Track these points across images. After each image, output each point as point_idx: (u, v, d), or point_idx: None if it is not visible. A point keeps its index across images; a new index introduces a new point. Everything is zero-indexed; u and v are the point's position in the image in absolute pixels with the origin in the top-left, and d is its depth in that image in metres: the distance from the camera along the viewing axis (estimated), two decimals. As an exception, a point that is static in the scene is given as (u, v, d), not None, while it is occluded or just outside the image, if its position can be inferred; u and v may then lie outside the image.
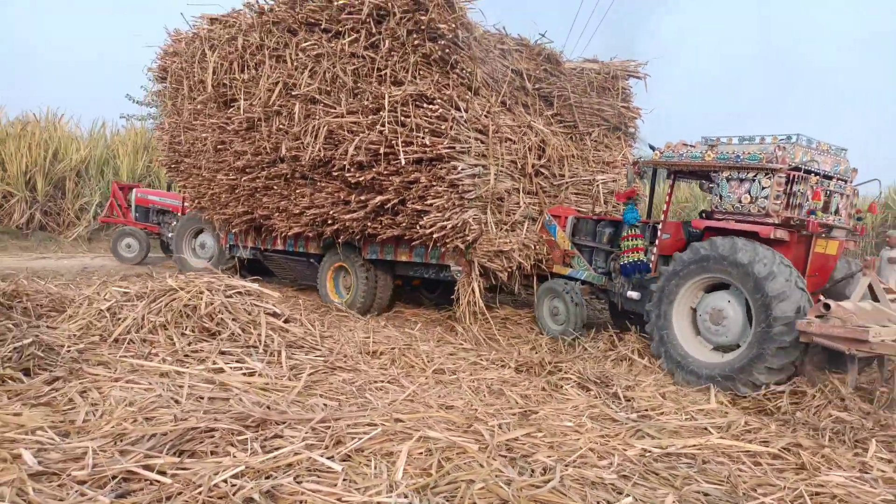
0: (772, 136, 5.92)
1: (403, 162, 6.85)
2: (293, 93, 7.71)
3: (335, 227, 7.85)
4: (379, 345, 6.25)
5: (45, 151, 15.67)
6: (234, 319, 5.75)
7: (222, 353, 5.32)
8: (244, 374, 4.96)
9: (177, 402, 4.16)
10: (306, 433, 3.65)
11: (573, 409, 4.83)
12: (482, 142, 7.01)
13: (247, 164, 8.46)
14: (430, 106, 6.74)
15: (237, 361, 5.16)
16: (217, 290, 6.06)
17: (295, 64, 7.70)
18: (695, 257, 5.90)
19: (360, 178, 7.25)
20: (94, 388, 4.32)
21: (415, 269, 8.14)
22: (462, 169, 6.79)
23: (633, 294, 6.76)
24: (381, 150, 6.98)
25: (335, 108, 7.38)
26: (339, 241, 8.11)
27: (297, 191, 8.13)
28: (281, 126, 7.94)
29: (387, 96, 6.87)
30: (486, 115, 7.08)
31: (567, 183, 8.03)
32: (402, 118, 6.85)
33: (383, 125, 6.91)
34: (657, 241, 6.66)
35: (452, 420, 4.10)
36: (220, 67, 8.49)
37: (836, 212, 6.05)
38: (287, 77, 7.74)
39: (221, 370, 4.97)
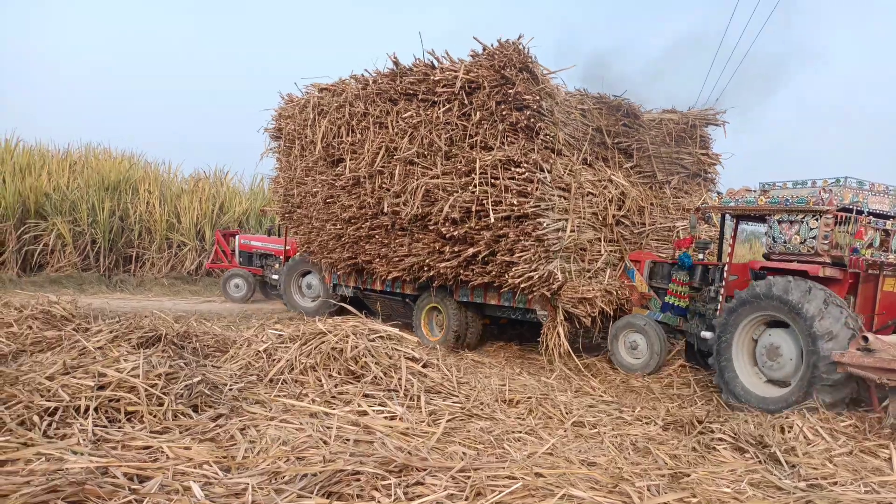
0: (823, 180, 6.21)
1: (493, 219, 7.45)
2: (394, 156, 8.54)
3: (430, 273, 8.48)
4: (515, 393, 6.15)
5: (213, 205, 17.46)
6: (376, 363, 5.94)
7: (366, 395, 5.49)
8: (386, 417, 5.08)
9: (325, 442, 4.33)
10: (447, 482, 3.63)
11: (730, 472, 4.41)
12: (565, 198, 7.58)
13: (352, 216, 9.33)
14: (517, 169, 7.33)
15: (379, 404, 5.29)
16: (361, 334, 6.31)
17: (395, 130, 8.55)
18: (750, 296, 6.21)
19: (454, 232, 7.89)
20: (252, 426, 4.60)
21: (502, 311, 8.68)
22: (547, 225, 7.34)
23: (706, 334, 6.96)
24: (473, 208, 7.61)
25: (431, 170, 8.11)
26: (434, 285, 8.73)
27: (397, 240, 8.83)
28: (383, 184, 8.74)
29: (478, 160, 7.53)
30: (568, 174, 7.63)
31: (647, 230, 8.47)
32: (492, 180, 7.47)
33: (475, 186, 7.54)
34: (724, 282, 6.96)
35: (596, 478, 3.90)
36: (329, 131, 9.49)
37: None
38: (389, 141, 8.60)
39: (365, 413, 5.12)
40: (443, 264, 8.18)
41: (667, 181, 8.87)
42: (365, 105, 8.94)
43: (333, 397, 5.48)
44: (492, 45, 7.58)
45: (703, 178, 9.20)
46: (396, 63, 8.64)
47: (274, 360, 6.12)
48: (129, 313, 7.65)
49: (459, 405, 5.56)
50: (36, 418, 4.26)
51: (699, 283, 7.49)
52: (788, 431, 5.26)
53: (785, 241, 6.37)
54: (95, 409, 4.44)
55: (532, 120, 7.32)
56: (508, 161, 7.39)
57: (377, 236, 9.09)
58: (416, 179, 8.15)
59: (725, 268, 7.03)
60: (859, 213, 6.04)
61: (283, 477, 3.62)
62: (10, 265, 14.22)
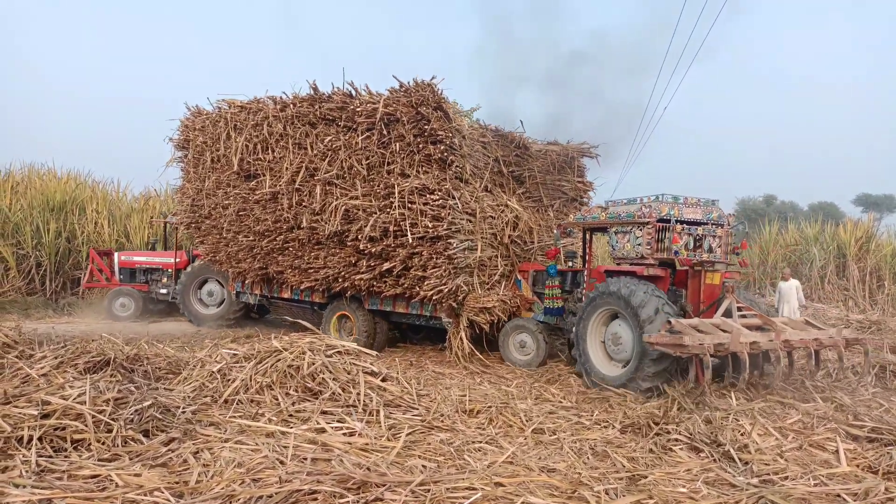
0: (647, 197, 7.62)
1: (410, 239, 8.23)
2: (314, 175, 9.13)
3: (345, 283, 9.20)
4: (476, 403, 6.15)
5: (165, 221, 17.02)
6: (334, 379, 5.87)
7: (324, 412, 5.42)
8: (345, 433, 5.01)
9: (282, 462, 4.24)
10: (406, 497, 3.61)
11: (686, 472, 4.50)
12: (471, 221, 8.53)
13: (266, 229, 9.83)
14: (432, 196, 8.19)
15: (338, 421, 5.22)
16: (318, 350, 6.23)
17: (315, 151, 9.13)
18: (596, 294, 7.50)
19: (372, 249, 8.64)
20: (206, 449, 4.48)
21: (408, 318, 9.55)
22: (456, 245, 8.28)
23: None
24: (391, 228, 8.40)
25: (350, 191, 8.81)
26: (347, 295, 9.48)
27: (312, 253, 9.44)
28: (301, 201, 9.30)
29: (397, 187, 8.32)
30: (474, 200, 8.59)
31: (535, 247, 9.59)
32: (409, 204, 8.27)
33: (394, 209, 8.32)
34: (584, 284, 8.26)
35: (555, 485, 3.93)
36: (245, 148, 9.99)
37: (710, 250, 7.62)
38: (309, 162, 9.17)
39: (323, 430, 5.04)
40: (357, 276, 8.95)
41: (550, 205, 10.25)
42: (284, 126, 9.49)
43: (291, 416, 5.38)
44: (408, 83, 8.36)
45: (579, 201, 10.68)
46: (315, 90, 9.24)
47: (229, 380, 5.97)
48: (76, 338, 7.39)
49: (419, 418, 5.53)
50: (-26, 452, 4.06)
51: (570, 286, 8.75)
52: (741, 431, 5.40)
53: (621, 248, 7.75)
54: (39, 439, 4.26)
55: (445, 153, 8.20)
56: (424, 188, 8.25)
57: (291, 249, 9.67)
58: (336, 199, 8.86)
59: (586, 273, 8.40)
60: (681, 222, 7.46)
61: (238, 500, 3.54)
62: (-53, 292, 13.62)
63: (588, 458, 4.83)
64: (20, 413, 4.46)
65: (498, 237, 9.02)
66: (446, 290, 8.28)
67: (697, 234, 7.59)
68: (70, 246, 15.63)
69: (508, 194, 9.55)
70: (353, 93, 8.91)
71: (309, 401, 5.66)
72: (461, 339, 8.66)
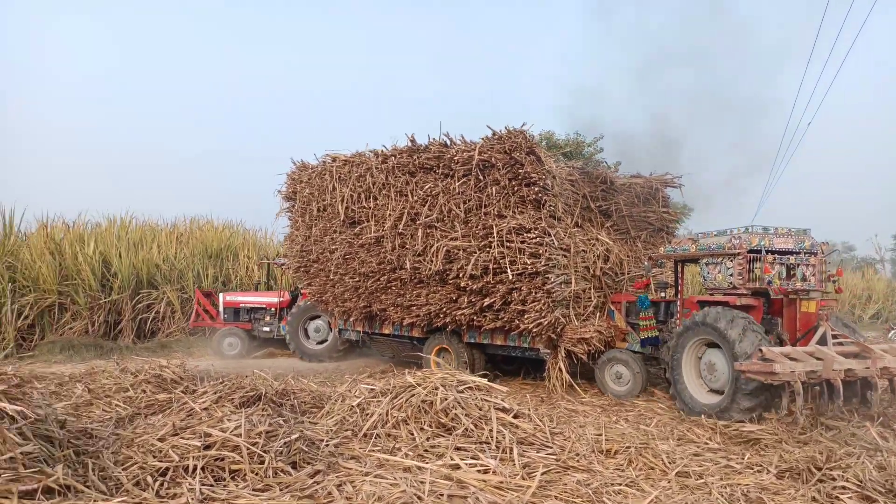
0: (737, 228, 7.83)
1: (511, 276, 8.68)
2: (416, 220, 9.81)
3: (446, 319, 9.70)
4: (613, 442, 5.91)
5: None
6: (466, 415, 5.90)
7: (458, 448, 5.45)
8: (479, 470, 5.00)
9: (419, 497, 4.31)
10: (544, 539, 3.51)
11: (857, 526, 4.02)
12: (566, 256, 8.93)
13: (370, 271, 10.50)
14: (528, 234, 8.67)
15: (472, 458, 5.23)
16: (450, 386, 6.31)
17: (415, 198, 9.82)
18: (691, 323, 7.67)
19: (473, 286, 9.11)
20: (349, 482, 4.66)
21: (505, 350, 9.86)
22: (553, 280, 8.66)
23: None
24: (491, 266, 8.86)
25: (450, 233, 9.38)
26: (448, 329, 10.02)
27: (414, 291, 10.01)
28: (404, 244, 9.94)
29: (495, 227, 8.82)
30: (567, 236, 9.02)
31: (625, 278, 9.90)
32: (507, 243, 8.77)
33: (493, 248, 8.81)
34: (678, 315, 8.51)
35: (705, 533, 3.65)
36: (349, 197, 10.74)
37: (804, 278, 7.72)
38: (410, 208, 9.87)
39: (458, 466, 5.07)
40: (458, 312, 9.45)
41: (638, 236, 10.70)
42: (385, 176, 10.22)
43: (426, 451, 5.47)
44: (501, 131, 8.94)
45: (665, 231, 11.04)
46: (413, 141, 9.95)
47: (367, 414, 6.20)
48: (231, 374, 8.01)
49: (554, 457, 5.40)
50: (149, 478, 4.51)
51: (663, 316, 8.98)
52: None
53: (712, 279, 8.01)
54: (202, 469, 4.64)
55: (539, 194, 8.71)
56: (521, 227, 8.74)
57: (394, 288, 10.29)
58: (436, 241, 9.43)
59: (679, 303, 8.64)
60: (773, 252, 7.67)
61: (379, 534, 3.62)
62: (127, 333, 15.27)
63: (741, 504, 4.46)
64: (186, 444, 4.90)
65: (591, 270, 9.45)
66: (545, 322, 8.68)
67: (790, 264, 7.72)
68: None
69: (598, 228, 10.13)
70: (448, 142, 9.56)
71: (443, 436, 5.72)
72: (559, 369, 9.00)
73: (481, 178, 9.11)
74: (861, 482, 4.69)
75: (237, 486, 4.52)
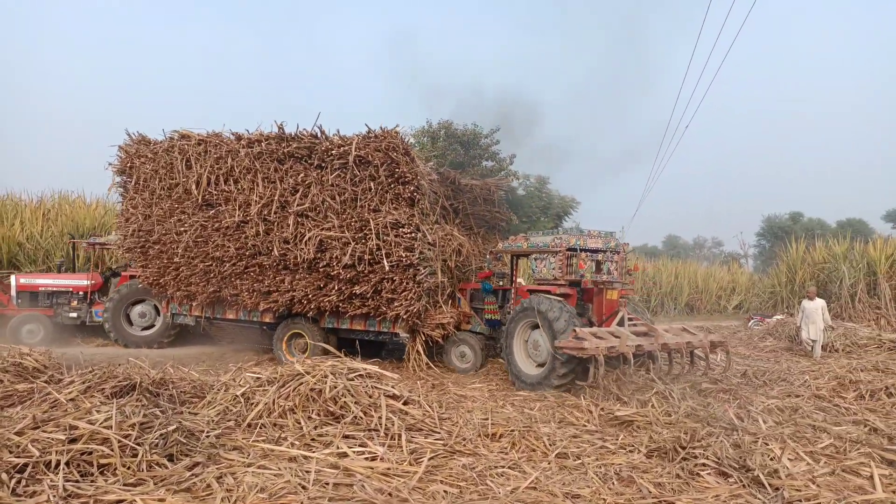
0: (561, 229, 10.85)
1: (387, 267, 9.25)
2: (285, 209, 9.90)
3: (311, 305, 10.05)
4: (498, 426, 6.10)
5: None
6: (356, 402, 5.87)
7: (346, 436, 5.42)
8: (367, 458, 5.00)
9: (304, 487, 4.25)
10: (428, 523, 3.57)
11: (714, 499, 4.41)
12: (431, 250, 9.63)
13: (225, 255, 10.38)
14: (403, 229, 9.29)
15: (360, 445, 5.22)
16: (340, 374, 6.24)
17: (284, 185, 9.90)
18: (520, 309, 9.08)
19: (347, 275, 9.56)
20: (230, 474, 4.50)
21: (359, 334, 10.43)
22: (423, 271, 9.42)
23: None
24: (366, 257, 9.39)
25: (323, 223, 9.66)
26: (308, 315, 10.39)
27: (277, 278, 10.16)
28: (269, 230, 10.00)
29: (372, 221, 9.34)
30: (432, 232, 9.73)
31: (471, 268, 11.20)
32: (384, 236, 9.33)
33: (369, 240, 9.31)
34: (512, 301, 9.96)
35: (579, 511, 3.86)
36: (205, 178, 10.40)
37: (609, 272, 9.32)
38: (279, 196, 9.90)
39: (346, 455, 5.04)
40: (325, 299, 9.86)
41: (478, 232, 11.98)
42: (251, 160, 10.14)
43: (313, 440, 5.39)
44: (378, 130, 9.46)
45: (498, 228, 12.68)
46: (282, 129, 10.03)
47: (252, 403, 6.01)
48: (104, 362, 7.49)
49: (441, 442, 5.50)
50: (4, 475, 4.13)
51: (501, 302, 10.33)
52: (770, 456, 5.27)
53: (539, 271, 9.45)
54: (67, 464, 4.31)
55: (413, 193, 9.40)
56: (396, 223, 9.34)
57: (252, 273, 10.35)
58: (308, 230, 9.70)
59: (512, 291, 10.10)
60: (585, 250, 9.16)
61: (260, 526, 3.53)
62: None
63: (613, 483, 4.75)
64: (48, 437, 4.53)
65: (447, 262, 10.41)
66: (414, 310, 9.44)
67: (599, 260, 9.30)
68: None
69: (451, 225, 11.05)
70: (319, 134, 9.86)
71: (331, 424, 5.66)
72: (418, 351, 9.97)
73: (357, 172, 9.53)
74: (719, 459, 5.14)
75: (106, 480, 4.24)
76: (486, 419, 6.30)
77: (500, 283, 10.44)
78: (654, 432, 6.08)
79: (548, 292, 8.98)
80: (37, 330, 12.38)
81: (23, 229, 15.40)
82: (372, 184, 9.44)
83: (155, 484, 4.22)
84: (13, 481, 4.11)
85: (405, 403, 6.13)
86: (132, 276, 12.45)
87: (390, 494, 4.09)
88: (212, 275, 10.62)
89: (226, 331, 12.03)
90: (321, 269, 9.76)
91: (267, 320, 10.86)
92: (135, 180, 11.26)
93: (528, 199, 29.04)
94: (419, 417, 5.93)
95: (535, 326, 8.83)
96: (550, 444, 5.63)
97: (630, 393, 7.58)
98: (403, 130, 9.50)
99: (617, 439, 5.93)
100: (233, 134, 10.51)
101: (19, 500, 3.89)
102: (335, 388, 5.96)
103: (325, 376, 6.11)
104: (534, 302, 8.80)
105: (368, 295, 9.61)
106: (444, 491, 4.33)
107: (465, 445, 5.50)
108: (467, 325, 10.47)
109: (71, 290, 12.85)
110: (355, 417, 5.71)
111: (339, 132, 9.77)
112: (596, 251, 9.32)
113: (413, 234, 9.27)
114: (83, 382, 5.80)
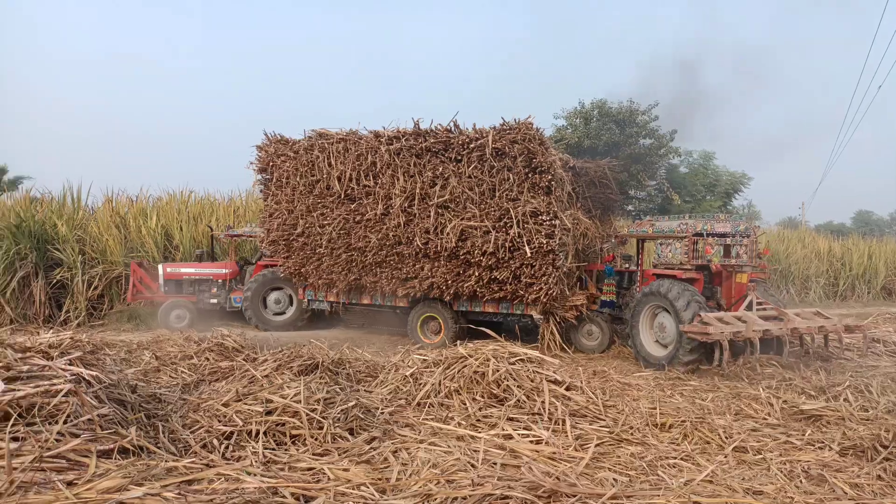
0: (686, 214, 9.92)
1: (529, 254, 9.67)
2: (425, 200, 10.41)
3: (449, 290, 10.57)
4: (667, 416, 5.85)
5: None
6: (518, 386, 5.94)
7: (510, 419, 5.51)
8: (531, 441, 5.04)
9: (473, 466, 4.39)
10: (598, 509, 3.53)
11: (927, 506, 3.89)
12: (566, 235, 10.02)
13: (366, 246, 10.98)
14: (542, 217, 9.70)
15: (524, 428, 5.27)
16: (502, 358, 6.35)
17: (423, 178, 10.39)
18: (647, 292, 9.34)
19: (488, 262, 10.03)
20: (404, 449, 4.77)
21: (491, 317, 11.01)
22: (561, 256, 9.87)
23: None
24: (506, 245, 9.84)
25: (462, 213, 10.15)
26: (447, 299, 10.86)
27: (417, 265, 10.70)
28: (410, 221, 10.52)
29: (512, 210, 9.75)
30: (567, 218, 9.97)
31: (594, 252, 11.59)
32: (524, 224, 9.76)
33: (510, 229, 9.76)
34: (638, 283, 10.33)
35: (764, 509, 3.61)
36: (346, 175, 11.03)
37: (737, 256, 9.24)
38: (419, 188, 10.38)
39: (510, 436, 5.12)
40: (465, 284, 10.39)
41: (595, 214, 12.00)
42: (391, 156, 10.67)
43: (478, 420, 5.55)
44: (512, 122, 9.83)
45: (611, 210, 12.68)
46: (418, 126, 10.56)
47: (420, 384, 6.32)
48: (289, 343, 8.26)
49: (607, 429, 5.40)
50: (215, 441, 4.73)
51: (627, 284, 10.77)
52: None
53: (664, 256, 9.79)
54: (264, 433, 4.84)
55: (550, 182, 9.72)
56: (536, 211, 9.73)
57: (392, 262, 10.94)
58: (448, 220, 10.21)
59: (637, 274, 10.49)
60: (712, 235, 9.31)
61: (435, 500, 3.71)
62: (189, 303, 15.85)
63: (801, 481, 4.37)
64: (249, 409, 5.10)
65: (576, 246, 10.73)
66: (553, 293, 9.88)
67: (727, 244, 9.26)
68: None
69: (574, 209, 11.10)
70: (453, 128, 10.29)
71: (495, 407, 5.78)
72: (552, 332, 10.40)
73: (494, 164, 9.91)
74: (931, 462, 4.52)
75: (297, 450, 4.69)
76: (654, 408, 6.07)
77: (626, 265, 10.94)
78: (849, 428, 5.49)
79: (674, 277, 9.23)
80: (183, 315, 13.37)
81: (217, 224, 17.32)
82: (510, 174, 9.80)
83: (339, 455, 4.59)
84: (222, 446, 4.69)
85: (567, 389, 6.09)
86: (266, 266, 13.32)
87: (558, 478, 4.09)
88: (353, 264, 11.32)
89: (356, 314, 12.69)
90: (461, 257, 10.23)
91: (400, 305, 11.51)
92: (275, 178, 12.08)
93: (691, 176, 27.37)
94: (582, 403, 5.86)
95: (662, 309, 9.18)
96: (727, 437, 5.30)
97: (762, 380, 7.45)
98: (535, 120, 9.80)
99: (803, 435, 5.43)
100: (371, 132, 11.08)
101: (228, 462, 4.43)
102: (497, 371, 6.07)
103: (488, 360, 6.24)
104: (660, 286, 9.08)
105: (507, 280, 10.04)
106: (614, 478, 4.25)
107: (632, 434, 5.35)
108: (594, 305, 10.87)
109: (211, 277, 13.83)
110: (518, 401, 5.78)
111: (475, 126, 10.15)
112: (724, 235, 9.38)
113: (552, 222, 9.63)
114: (275, 361, 6.44)
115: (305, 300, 12.63)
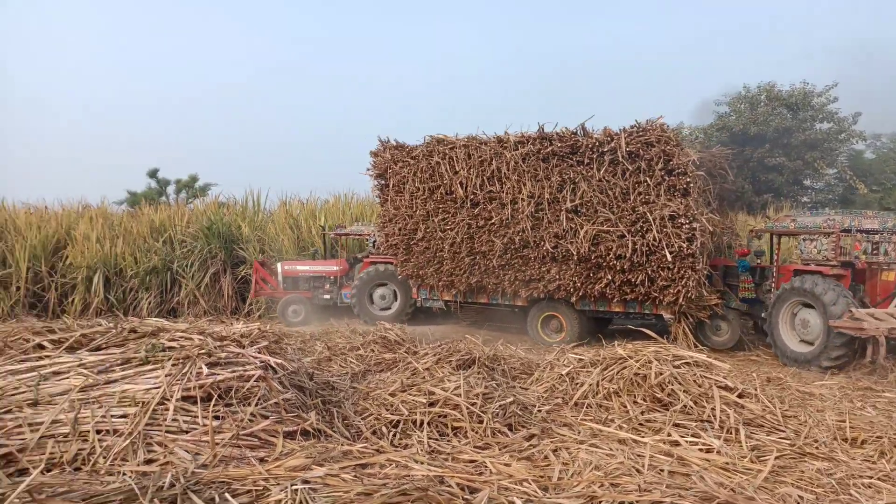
0: (833, 210, 10.38)
1: (670, 259, 9.51)
2: (552, 205, 10.39)
3: (579, 292, 10.51)
4: (859, 430, 5.23)
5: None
6: (685, 391, 5.62)
7: (676, 425, 5.23)
8: (700, 449, 4.75)
9: (638, 471, 4.22)
10: (783, 528, 3.24)
11: None
12: (703, 235, 9.62)
13: (489, 250, 11.10)
14: (681, 220, 9.48)
15: (692, 436, 4.98)
16: (665, 360, 6.05)
17: (551, 183, 10.35)
18: (790, 287, 9.21)
19: (622, 266, 9.92)
20: (564, 448, 4.71)
21: (614, 315, 11.04)
22: (700, 259, 9.59)
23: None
24: (641, 248, 9.70)
25: (593, 217, 10.09)
26: (573, 300, 10.81)
27: (543, 268, 10.73)
28: (537, 225, 10.55)
29: (650, 214, 9.61)
30: (705, 220, 9.67)
31: (720, 245, 11.09)
32: (661, 228, 9.58)
33: (646, 232, 9.65)
34: (773, 279, 10.03)
35: None
36: (469, 180, 11.08)
37: (886, 253, 9.10)
38: (548, 193, 10.37)
39: (677, 443, 4.87)
40: (595, 287, 10.33)
41: (715, 207, 11.27)
42: (516, 161, 10.67)
43: (641, 424, 5.33)
44: (644, 123, 9.70)
45: (727, 202, 12.07)
46: (542, 129, 10.56)
47: (577, 383, 6.20)
48: (444, 338, 8.50)
49: (787, 441, 4.94)
50: (384, 429, 4.99)
51: (758, 280, 10.44)
52: None
53: (808, 252, 9.57)
54: (428, 424, 5.01)
55: (688, 184, 9.49)
56: (673, 214, 9.51)
57: (516, 265, 10.98)
58: (577, 224, 10.19)
59: (774, 270, 10.11)
60: (861, 231, 9.11)
61: (600, 502, 3.62)
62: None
63: None
64: (413, 400, 5.32)
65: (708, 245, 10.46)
66: (691, 296, 9.73)
67: (874, 241, 9.06)
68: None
69: (702, 206, 10.73)
70: (579, 132, 10.26)
71: (658, 411, 5.53)
72: (684, 331, 10.15)
73: (627, 167, 9.78)
74: None
75: (459, 441, 4.81)
76: (843, 421, 5.45)
77: (759, 260, 10.72)
78: None
79: (820, 273, 9.08)
80: (299, 310, 13.97)
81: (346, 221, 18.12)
82: (645, 177, 9.70)
83: (499, 449, 4.64)
84: (390, 434, 4.93)
85: (740, 396, 5.66)
86: (372, 263, 13.65)
87: (733, 490, 3.81)
88: (476, 267, 11.47)
89: (469, 311, 12.81)
90: (593, 260, 10.22)
91: (519, 304, 11.55)
92: (393, 183, 12.32)
93: (879, 163, 24.26)
94: (758, 412, 5.42)
95: (804, 305, 9.12)
96: (936, 459, 4.63)
97: None
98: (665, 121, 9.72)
99: None
100: (494, 137, 11.10)
101: (396, 450, 4.65)
102: (661, 374, 5.79)
103: (650, 362, 5.98)
104: (804, 281, 8.99)
105: (642, 283, 9.96)
106: (798, 495, 3.88)
107: (817, 448, 4.85)
108: (720, 299, 10.49)
109: (324, 274, 14.33)
110: (685, 406, 5.47)
111: (605, 128, 10.07)
112: (872, 232, 9.24)
113: (691, 225, 9.48)
114: (434, 355, 6.65)
115: (419, 299, 12.89)
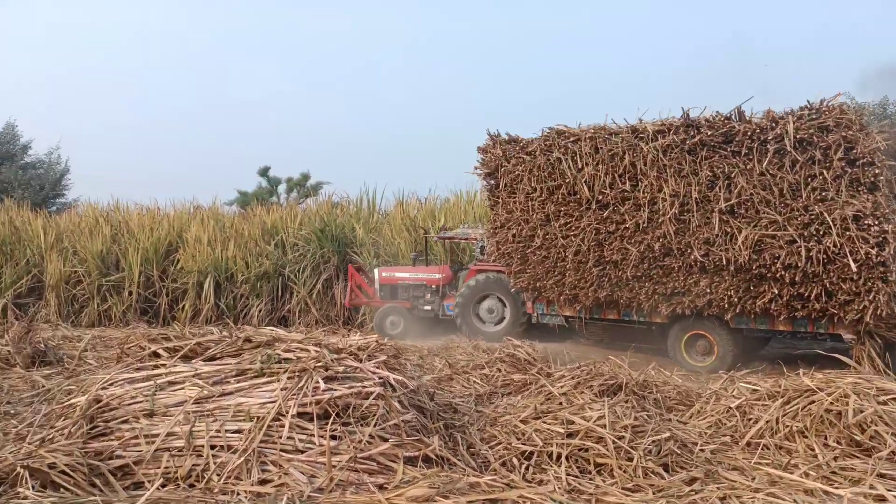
0: None
1: (854, 268, 8.79)
2: (700, 205, 9.92)
3: (735, 308, 9.95)
4: None
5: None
6: (893, 434, 5.14)
7: (881, 475, 4.79)
8: (917, 508, 4.31)
9: (832, 531, 3.91)
10: None
11: None
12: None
13: (622, 259, 10.70)
14: (868, 221, 8.78)
15: (904, 490, 4.54)
16: (867, 395, 5.57)
17: (699, 179, 9.89)
18: None
19: (791, 277, 9.34)
20: (734, 496, 4.46)
21: (779, 335, 10.47)
22: (893, 268, 8.85)
23: None
24: (818, 256, 9.02)
25: (754, 219, 9.56)
26: (728, 317, 10.19)
27: (689, 280, 10.25)
28: (680, 230, 10.11)
29: (828, 214, 8.96)
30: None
31: None
32: (843, 231, 8.88)
33: (821, 236, 9.04)
34: None
35: None
36: (596, 178, 10.71)
37: None
38: (696, 192, 9.89)
39: (883, 499, 4.45)
40: (759, 302, 9.73)
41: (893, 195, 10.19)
42: (656, 155, 10.20)
43: (834, 473, 4.94)
44: (820, 104, 9.19)
45: None
46: (688, 116, 10.11)
47: (750, 419, 5.88)
48: (582, 358, 8.37)
49: None
50: (515, 460, 4.99)
51: None
52: None
53: None
54: (566, 457, 4.95)
55: (876, 176, 8.89)
56: (858, 214, 8.83)
57: (656, 276, 10.54)
58: (736, 229, 9.64)
59: None
60: None
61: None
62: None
63: None
64: (549, 429, 5.27)
65: None
66: (881, 313, 8.94)
67: None
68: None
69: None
70: (736, 117, 9.73)
71: (857, 457, 5.09)
72: (869, 355, 9.39)
73: (797, 157, 9.24)
74: None
75: (604, 481, 4.70)
76: None
77: None
78: None
79: None
80: (397, 321, 14.01)
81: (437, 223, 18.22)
82: (821, 169, 9.15)
83: (654, 493, 4.48)
84: (522, 467, 4.92)
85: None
86: (480, 271, 13.40)
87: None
88: (606, 279, 11.06)
89: (595, 328, 12.46)
90: (754, 270, 9.68)
91: (658, 320, 11.15)
92: (504, 183, 12.02)
93: None
94: None
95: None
96: None
97: None
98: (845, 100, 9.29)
99: None
100: (628, 127, 10.64)
101: (529, 485, 4.62)
102: (861, 411, 5.33)
103: (846, 396, 5.52)
104: None
105: (818, 297, 9.35)
106: None
107: None
108: None
109: (424, 283, 14.23)
110: (892, 453, 5.00)
111: (768, 111, 9.57)
112: None
113: (881, 226, 8.80)
114: (572, 377, 6.57)
115: (535, 314, 12.66)
